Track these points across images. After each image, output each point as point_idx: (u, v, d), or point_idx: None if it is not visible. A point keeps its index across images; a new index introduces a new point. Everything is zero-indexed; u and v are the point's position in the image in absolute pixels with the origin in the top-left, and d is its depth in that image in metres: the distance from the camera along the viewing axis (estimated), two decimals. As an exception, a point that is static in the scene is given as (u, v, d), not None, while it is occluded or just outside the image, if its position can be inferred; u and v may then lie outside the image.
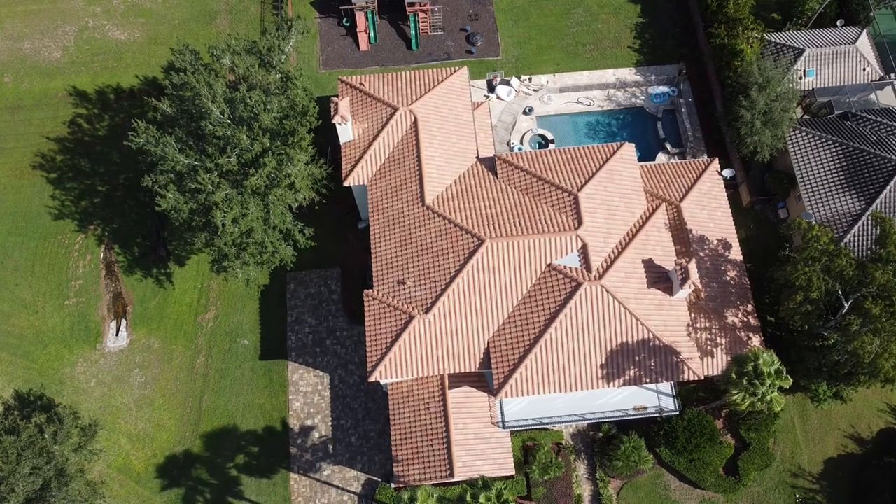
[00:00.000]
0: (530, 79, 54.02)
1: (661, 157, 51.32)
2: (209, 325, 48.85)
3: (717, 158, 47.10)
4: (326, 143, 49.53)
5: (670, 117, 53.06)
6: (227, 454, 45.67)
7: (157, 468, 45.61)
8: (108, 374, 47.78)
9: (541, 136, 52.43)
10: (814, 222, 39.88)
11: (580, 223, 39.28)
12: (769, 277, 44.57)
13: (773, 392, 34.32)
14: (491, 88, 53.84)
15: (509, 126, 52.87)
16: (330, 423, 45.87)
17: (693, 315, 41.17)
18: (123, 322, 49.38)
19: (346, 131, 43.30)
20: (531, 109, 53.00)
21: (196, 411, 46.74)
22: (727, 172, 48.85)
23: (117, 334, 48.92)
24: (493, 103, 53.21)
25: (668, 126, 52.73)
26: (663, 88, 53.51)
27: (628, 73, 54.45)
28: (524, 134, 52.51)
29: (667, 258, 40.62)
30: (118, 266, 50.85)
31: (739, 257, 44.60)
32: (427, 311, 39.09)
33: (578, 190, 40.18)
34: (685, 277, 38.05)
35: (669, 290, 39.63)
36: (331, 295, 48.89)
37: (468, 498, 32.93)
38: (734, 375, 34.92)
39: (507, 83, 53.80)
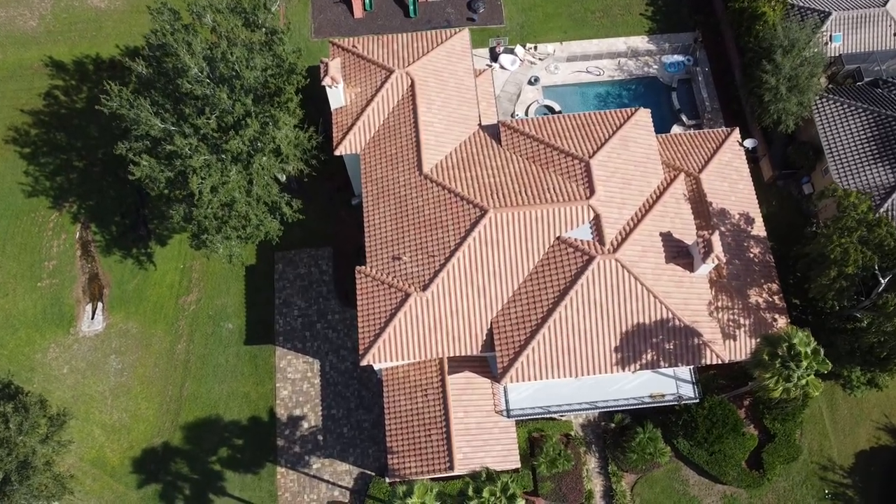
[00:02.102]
0: (536, 47, 50.67)
1: (677, 130, 47.99)
2: (191, 308, 45.48)
3: (737, 128, 43.75)
4: (318, 114, 46.06)
5: (685, 87, 49.72)
6: (209, 446, 42.29)
7: (134, 461, 42.26)
8: (82, 361, 44.43)
9: (547, 107, 49.07)
10: (851, 188, 36.42)
11: (592, 192, 35.88)
12: (794, 255, 41.24)
13: (809, 375, 30.83)
14: (494, 57, 50.49)
15: (513, 97, 49.50)
16: (320, 413, 42.49)
17: (714, 294, 37.77)
18: (100, 305, 46.06)
19: (337, 95, 39.91)
20: (537, 79, 49.65)
21: (176, 400, 43.36)
22: (749, 143, 45.46)
23: (93, 318, 45.59)
24: (496, 73, 49.85)
25: (684, 96, 49.38)
26: (678, 57, 50.13)
27: (640, 42, 51.07)
28: (529, 105, 49.15)
29: (686, 231, 37.23)
30: (95, 246, 47.55)
31: (763, 233, 41.22)
32: (424, 288, 35.72)
33: (590, 157, 36.78)
34: (708, 251, 34.64)
35: (690, 266, 36.22)
36: (322, 276, 45.52)
37: (470, 492, 29.59)
38: (766, 357, 31.45)
39: (512, 52, 50.43)
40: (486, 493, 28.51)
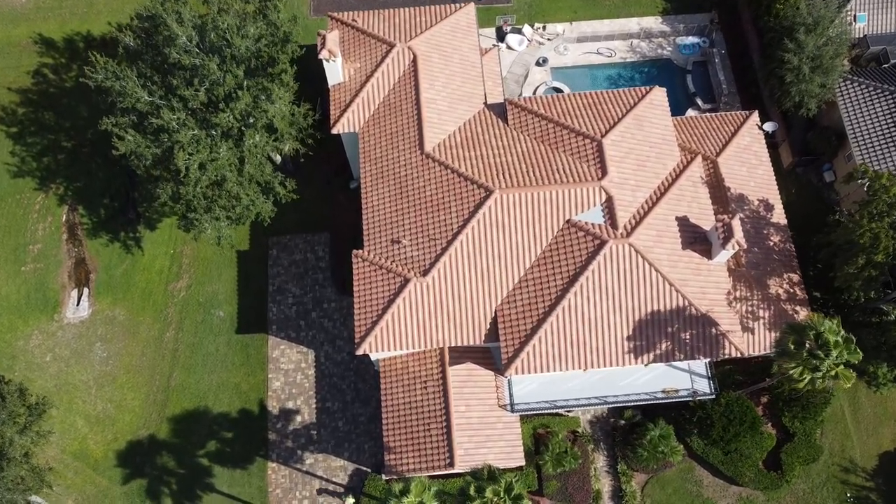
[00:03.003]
0: (544, 27, 48.48)
1: (692, 114, 45.60)
2: (181, 295, 43.40)
3: (756, 111, 41.53)
4: (317, 95, 43.90)
5: (701, 70, 47.49)
6: (196, 440, 40.21)
7: (118, 454, 40.18)
8: (66, 348, 42.38)
9: (555, 89, 46.87)
10: (882, 170, 34.18)
11: (604, 173, 33.70)
12: (816, 245, 39.04)
13: (839, 366, 28.57)
14: (501, 37, 48.33)
15: (520, 78, 47.33)
16: (314, 406, 40.36)
17: (732, 283, 35.57)
18: (86, 290, 44.01)
19: (336, 70, 37.77)
20: (545, 60, 47.46)
21: (163, 391, 41.29)
22: (769, 126, 43.19)
23: (78, 304, 43.54)
24: (503, 53, 47.67)
25: (699, 80, 47.14)
26: (693, 39, 47.91)
27: (654, 23, 48.83)
28: (537, 87, 46.99)
29: (704, 217, 35.03)
30: (82, 229, 45.51)
31: (783, 220, 39.03)
32: (425, 273, 33.59)
33: (602, 136, 34.61)
34: (728, 236, 32.45)
35: (707, 253, 34.03)
36: (318, 262, 43.40)
37: (471, 491, 27.42)
38: (791, 346, 29.21)
39: (519, 31, 48.24)
40: (489, 493, 26.37)
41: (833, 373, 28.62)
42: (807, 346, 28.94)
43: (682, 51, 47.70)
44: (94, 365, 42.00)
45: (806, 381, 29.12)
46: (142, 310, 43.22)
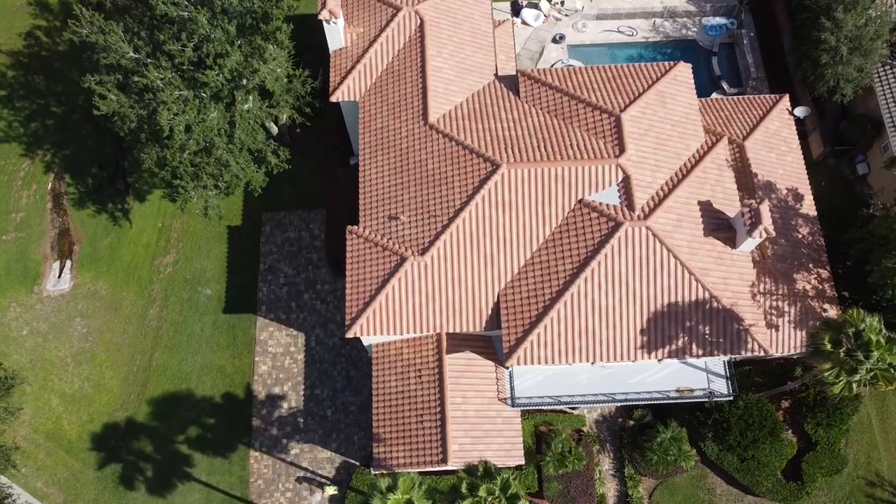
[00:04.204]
0: (562, 2, 45.75)
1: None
2: (167, 271, 41.03)
3: (787, 95, 38.69)
4: (319, 66, 41.44)
5: (727, 53, 44.62)
6: (176, 424, 37.83)
7: (93, 436, 37.87)
8: (45, 322, 40.12)
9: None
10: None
11: (622, 150, 31.00)
12: (848, 240, 36.23)
13: (881, 368, 25.68)
14: (516, 11, 45.70)
15: (535, 55, 44.65)
16: (302, 393, 37.90)
17: (756, 276, 32.75)
18: (68, 263, 41.78)
19: (336, 34, 35.24)
20: (562, 37, 44.76)
21: (144, 371, 38.94)
22: (800, 111, 40.26)
23: (59, 276, 41.30)
24: (517, 29, 45.01)
25: (725, 62, 44.30)
26: (720, 20, 45.06)
27: (679, 1, 45.93)
28: (553, 65, 44.30)
29: (728, 202, 32.27)
30: (68, 198, 43.29)
31: (813, 212, 36.18)
32: (423, 252, 31.03)
33: (621, 111, 31.89)
34: (755, 222, 29.66)
35: (731, 242, 31.27)
36: (313, 241, 40.91)
37: (464, 489, 24.82)
38: (827, 344, 26.37)
39: (535, 6, 45.57)
40: (482, 492, 23.75)
41: (871, 375, 25.77)
42: (844, 345, 26.06)
43: (707, 32, 44.88)
44: (73, 341, 39.71)
45: (841, 384, 26.23)
46: (126, 285, 40.90)
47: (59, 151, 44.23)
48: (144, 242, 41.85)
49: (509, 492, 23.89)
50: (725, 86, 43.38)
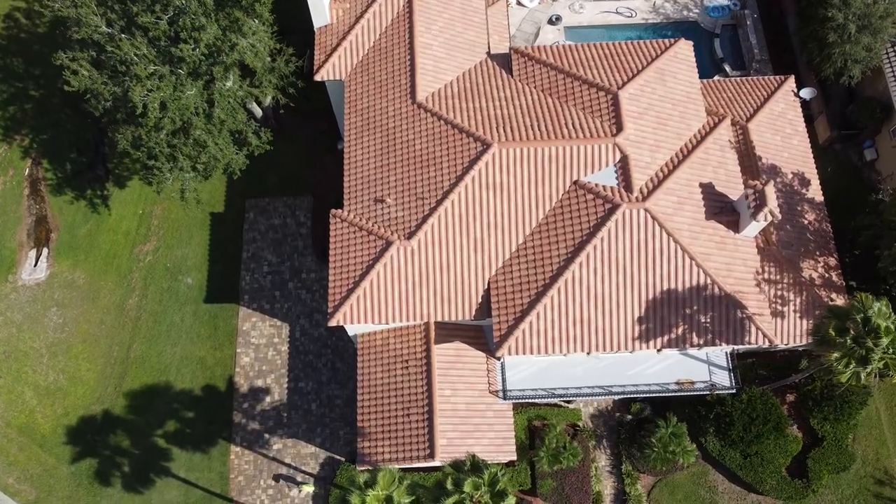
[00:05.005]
0: (559, -18, 44.15)
1: (718, 81, 41.22)
2: (147, 259, 39.47)
3: (792, 76, 37.12)
4: (306, 46, 39.86)
5: (730, 34, 42.98)
6: (154, 418, 36.27)
7: (68, 430, 36.32)
8: (19, 312, 38.56)
9: (569, 50, 42.46)
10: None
11: (620, 129, 29.41)
12: (856, 227, 34.69)
13: (893, 356, 24.11)
14: (510, -8, 44.05)
15: (530, 37, 43.05)
16: (286, 386, 36.34)
17: (760, 263, 31.16)
18: (45, 251, 40.22)
19: (321, 8, 33.67)
20: (559, 18, 43.16)
21: (122, 363, 37.37)
22: (806, 93, 38.62)
23: (35, 265, 39.75)
24: (512, 10, 43.35)
25: (727, 45, 42.66)
26: (722, 0, 43.42)
27: (680, -18, 44.36)
28: (549, 47, 42.62)
29: (731, 184, 30.70)
30: (46, 184, 41.72)
31: (820, 197, 34.61)
32: (410, 236, 29.45)
33: (619, 88, 30.31)
34: (760, 204, 28.07)
35: (734, 226, 29.70)
36: (299, 228, 39.34)
37: (449, 485, 23.24)
38: (833, 332, 24.77)
39: (531, -14, 43.95)
40: (467, 486, 22.16)
41: (882, 364, 24.16)
42: (851, 332, 24.45)
43: (709, 13, 43.25)
44: (48, 332, 38.15)
45: (850, 373, 24.61)
46: (104, 274, 39.33)
47: (37, 136, 42.68)
48: (124, 230, 40.29)
49: (497, 487, 22.28)
50: (728, 68, 41.76)
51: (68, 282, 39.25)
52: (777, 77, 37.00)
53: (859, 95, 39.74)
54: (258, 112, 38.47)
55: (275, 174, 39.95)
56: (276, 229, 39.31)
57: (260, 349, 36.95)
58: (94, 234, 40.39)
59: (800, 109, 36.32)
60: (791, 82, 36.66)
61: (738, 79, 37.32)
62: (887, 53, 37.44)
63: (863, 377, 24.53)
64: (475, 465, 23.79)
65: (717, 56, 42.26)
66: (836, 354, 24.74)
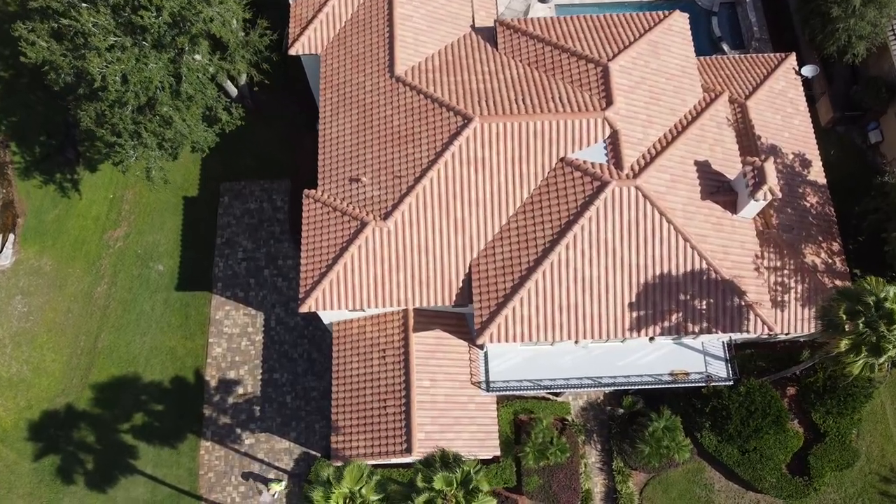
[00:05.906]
0: (550, -41, 42.32)
1: (716, 60, 39.41)
2: (117, 245, 37.65)
3: (793, 53, 35.34)
4: (284, 22, 38.02)
5: (728, 12, 41.27)
6: (121, 411, 34.44)
7: (30, 424, 34.49)
8: (-18, 301, 36.78)
9: (560, 28, 40.66)
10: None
11: (609, 103, 27.60)
12: (861, 211, 32.92)
13: (904, 344, 22.33)
14: (500, -32, 42.21)
15: (520, 15, 41.22)
16: (259, 377, 34.54)
17: (760, 247, 29.34)
18: (11, 237, 38.35)
19: (295, -22, 31.92)
20: (550, -4, 41.39)
21: (89, 353, 35.56)
22: (808, 70, 36.78)
23: (0, 251, 37.88)
24: (501, -13, 41.60)
25: (726, 23, 40.94)
26: (721, -22, 41.65)
27: (676, -41, 42.55)
28: (539, 26, 40.81)
29: (729, 163, 28.89)
30: (13, 168, 39.85)
31: (822, 179, 32.83)
32: (386, 216, 27.64)
33: (609, 60, 28.49)
34: (758, 182, 26.25)
35: (732, 206, 27.89)
36: (275, 213, 37.54)
37: (419, 482, 21.40)
38: (842, 316, 22.92)
39: (521, -37, 42.12)
40: (437, 483, 20.32)
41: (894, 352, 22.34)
42: (863, 316, 22.60)
43: (707, -10, 41.51)
44: (12, 321, 36.33)
45: (861, 363, 22.71)
46: (72, 260, 37.51)
47: (4, 118, 40.80)
48: (94, 215, 38.47)
49: (470, 485, 20.44)
50: (726, 48, 39.99)
51: (34, 269, 37.44)
52: (777, 54, 35.26)
53: (864, 75, 37.94)
54: (233, 91, 36.67)
55: (251, 156, 38.18)
56: (251, 214, 37.52)
57: (233, 339, 35.14)
58: (62, 219, 38.58)
59: (801, 88, 34.56)
60: (792, 59, 34.90)
61: (737, 56, 35.55)
62: (893, 29, 35.64)
63: (875, 368, 22.66)
64: (445, 459, 21.93)
65: (715, 35, 40.52)
66: (845, 341, 22.84)
